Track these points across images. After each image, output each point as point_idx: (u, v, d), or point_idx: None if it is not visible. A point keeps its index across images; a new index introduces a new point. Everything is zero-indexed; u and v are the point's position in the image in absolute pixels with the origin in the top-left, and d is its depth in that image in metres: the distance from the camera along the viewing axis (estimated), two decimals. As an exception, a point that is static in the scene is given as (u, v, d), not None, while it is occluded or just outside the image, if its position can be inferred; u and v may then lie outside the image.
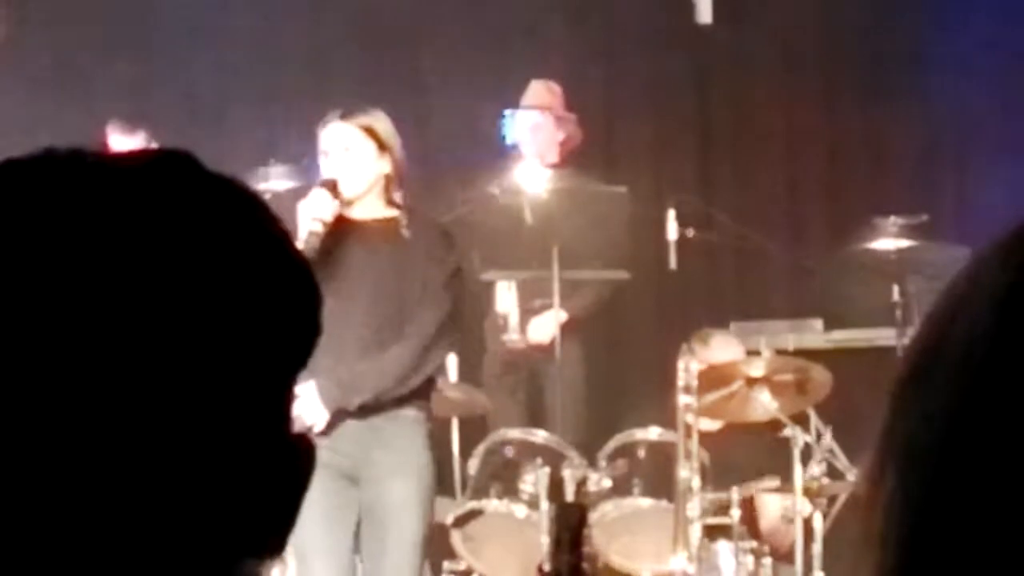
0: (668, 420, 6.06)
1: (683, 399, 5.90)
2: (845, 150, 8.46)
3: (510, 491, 6.17)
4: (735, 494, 5.86)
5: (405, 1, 8.40)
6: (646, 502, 6.14)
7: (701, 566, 5.74)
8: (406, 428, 5.31)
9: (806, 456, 5.86)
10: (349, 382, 5.19)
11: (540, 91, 7.56)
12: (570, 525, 5.56)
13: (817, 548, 5.77)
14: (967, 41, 7.89)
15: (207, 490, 0.91)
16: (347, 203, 5.35)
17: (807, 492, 5.80)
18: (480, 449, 6.30)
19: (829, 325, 7.63)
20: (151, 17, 8.34)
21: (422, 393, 5.37)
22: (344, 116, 5.41)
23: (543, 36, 8.33)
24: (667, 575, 5.88)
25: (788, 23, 8.31)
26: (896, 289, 6.48)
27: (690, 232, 6.83)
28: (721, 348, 6.49)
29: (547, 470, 6.08)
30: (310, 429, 5.09)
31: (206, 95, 8.51)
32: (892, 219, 6.49)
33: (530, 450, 6.20)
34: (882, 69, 8.20)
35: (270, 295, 0.95)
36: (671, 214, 6.84)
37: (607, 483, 6.16)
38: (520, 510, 6.12)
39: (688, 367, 5.96)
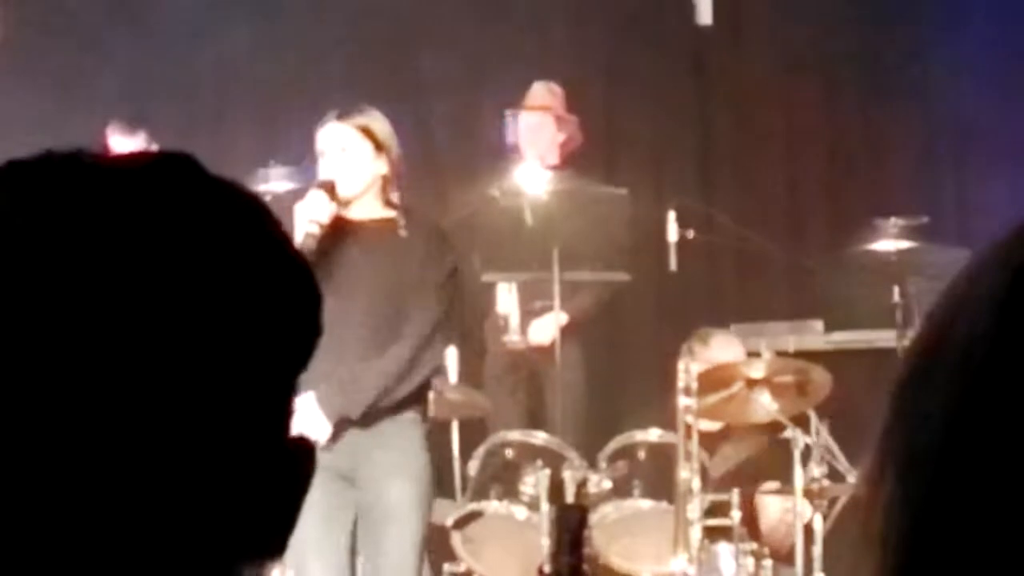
0: (668, 421, 6.06)
1: (683, 400, 5.90)
2: (845, 150, 8.47)
3: (510, 493, 6.17)
4: (735, 496, 5.86)
5: (405, 1, 8.40)
6: (646, 504, 6.13)
7: (701, 568, 5.74)
8: (403, 429, 5.30)
9: (806, 458, 5.85)
10: (350, 386, 5.18)
11: (541, 92, 7.56)
12: (570, 527, 5.57)
13: (817, 550, 5.76)
14: (967, 41, 7.89)
15: (207, 492, 0.91)
16: (344, 203, 5.34)
17: (807, 494, 5.79)
18: (480, 451, 6.30)
19: (829, 326, 7.63)
20: (151, 17, 8.34)
21: (419, 394, 5.37)
22: (341, 116, 5.39)
23: (543, 37, 8.34)
24: (667, 576, 5.88)
25: (788, 24, 8.31)
26: (896, 290, 6.48)
27: (690, 233, 6.83)
28: (721, 347, 6.49)
29: (547, 472, 6.08)
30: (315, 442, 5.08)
31: (206, 95, 8.52)
32: (892, 220, 6.49)
33: (530, 452, 6.20)
34: (882, 69, 8.19)
35: (270, 297, 0.95)
36: (671, 215, 6.84)
37: (607, 485, 6.15)
38: (520, 512, 6.11)
39: (688, 368, 5.96)
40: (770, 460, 6.09)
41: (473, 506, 6.20)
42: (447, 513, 6.14)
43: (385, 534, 5.25)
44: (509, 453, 6.24)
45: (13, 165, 0.95)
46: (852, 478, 5.97)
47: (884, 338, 6.81)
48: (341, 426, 5.22)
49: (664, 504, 6.02)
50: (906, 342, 6.01)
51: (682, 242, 6.83)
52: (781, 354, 6.60)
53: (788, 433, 5.85)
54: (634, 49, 8.37)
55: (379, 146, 5.39)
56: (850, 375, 6.34)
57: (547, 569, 5.63)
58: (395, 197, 5.42)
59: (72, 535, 0.88)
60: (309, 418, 5.09)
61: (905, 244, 6.43)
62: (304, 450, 0.98)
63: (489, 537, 6.19)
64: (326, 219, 5.26)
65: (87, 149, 0.96)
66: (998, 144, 8.00)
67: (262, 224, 0.97)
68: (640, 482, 6.17)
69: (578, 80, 7.86)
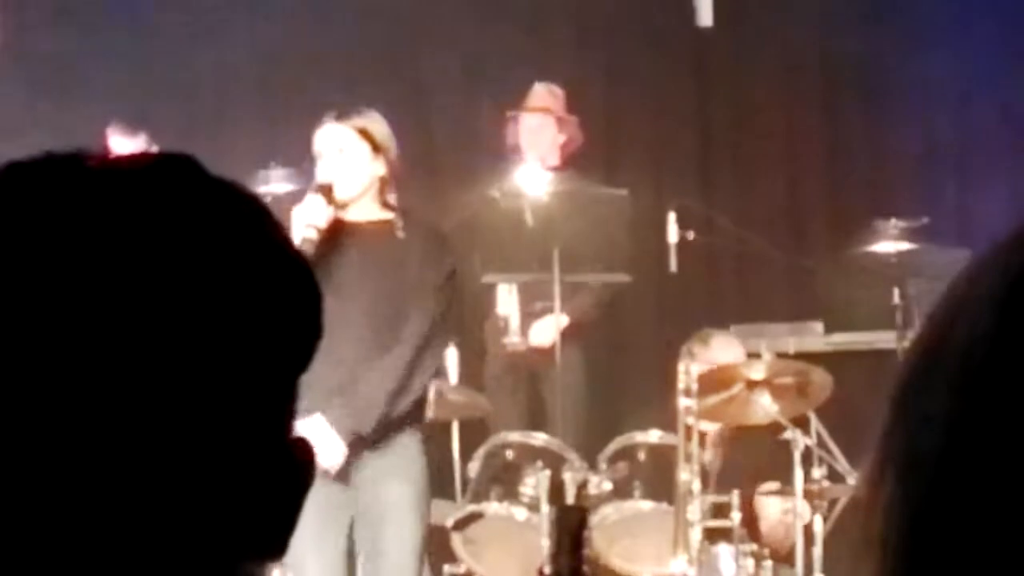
0: (668, 423, 6.06)
1: (683, 402, 5.89)
2: (845, 151, 8.46)
3: (510, 494, 6.17)
4: (735, 497, 5.86)
5: (405, 1, 8.40)
6: (646, 505, 6.13)
7: (701, 569, 5.74)
8: (401, 433, 5.29)
9: (807, 459, 5.85)
10: (357, 402, 5.15)
11: (542, 94, 7.56)
12: (570, 528, 5.57)
13: (817, 551, 5.76)
14: (967, 41, 7.89)
15: (209, 493, 0.91)
16: (342, 205, 5.32)
17: (807, 495, 5.79)
18: (480, 452, 6.30)
19: (829, 328, 7.63)
20: (151, 19, 8.34)
21: (418, 398, 5.36)
22: (339, 117, 5.37)
23: (543, 37, 8.34)
24: (667, 577, 5.88)
25: (788, 25, 8.31)
26: (896, 292, 6.48)
27: (690, 235, 6.83)
28: (722, 348, 6.49)
29: (547, 473, 6.07)
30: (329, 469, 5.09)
31: (206, 96, 8.51)
32: (892, 221, 6.49)
33: (530, 453, 6.20)
34: (882, 69, 8.19)
35: (271, 298, 0.95)
36: (671, 217, 6.84)
37: (607, 486, 6.15)
38: (520, 513, 6.11)
39: (688, 370, 5.96)
40: (770, 461, 6.09)
41: (473, 507, 6.20)
42: (447, 514, 6.14)
43: (383, 535, 5.24)
44: (509, 454, 6.24)
45: (13, 166, 0.95)
46: (852, 479, 5.97)
47: (884, 339, 6.81)
48: (356, 444, 5.20)
49: (664, 505, 6.02)
50: (906, 343, 6.00)
51: (682, 243, 6.82)
52: (781, 355, 6.60)
53: (788, 434, 5.85)
54: (634, 50, 8.37)
55: (377, 147, 5.37)
56: (850, 376, 6.34)
57: (547, 570, 5.63)
58: (393, 199, 5.41)
59: (74, 536, 0.88)
60: (323, 441, 5.07)
61: (905, 245, 6.43)
62: (305, 450, 0.98)
63: (489, 538, 6.19)
64: (323, 224, 5.23)
65: (87, 150, 0.96)
66: (998, 145, 8.00)
67: (263, 225, 0.97)
68: (640, 483, 6.17)
69: (578, 81, 7.86)
